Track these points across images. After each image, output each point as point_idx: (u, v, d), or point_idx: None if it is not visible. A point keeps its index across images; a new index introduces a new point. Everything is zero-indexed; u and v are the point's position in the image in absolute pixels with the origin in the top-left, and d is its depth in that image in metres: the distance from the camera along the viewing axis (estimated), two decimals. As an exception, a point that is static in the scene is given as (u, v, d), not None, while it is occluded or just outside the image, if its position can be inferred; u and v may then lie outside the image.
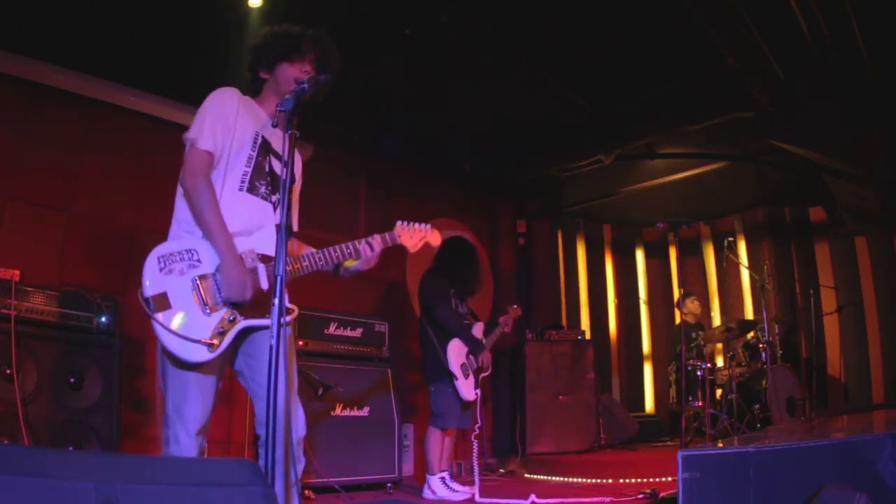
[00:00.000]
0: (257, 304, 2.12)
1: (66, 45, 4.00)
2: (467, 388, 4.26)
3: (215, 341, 2.05)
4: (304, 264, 2.25)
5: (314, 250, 2.30)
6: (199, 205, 2.10)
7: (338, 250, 2.29)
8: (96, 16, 3.84)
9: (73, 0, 3.73)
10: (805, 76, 4.40)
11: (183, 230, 2.17)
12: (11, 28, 3.78)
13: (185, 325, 2.03)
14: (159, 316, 2.01)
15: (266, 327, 2.16)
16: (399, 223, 2.45)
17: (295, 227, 2.48)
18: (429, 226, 2.48)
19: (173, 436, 2.07)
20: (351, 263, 2.37)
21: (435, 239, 2.51)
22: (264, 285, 2.14)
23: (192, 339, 2.02)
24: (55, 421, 3.17)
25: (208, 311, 2.06)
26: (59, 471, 1.22)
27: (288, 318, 2.13)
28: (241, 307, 2.11)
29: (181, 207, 2.19)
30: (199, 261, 2.10)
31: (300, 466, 2.20)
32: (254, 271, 2.15)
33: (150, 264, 2.05)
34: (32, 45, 3.92)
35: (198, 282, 2.08)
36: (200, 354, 2.04)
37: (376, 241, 2.37)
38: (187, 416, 2.07)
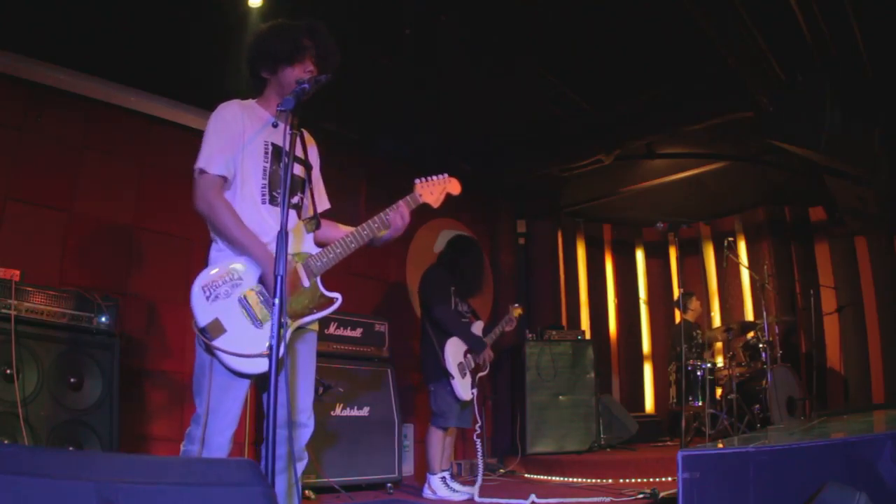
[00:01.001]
0: (301, 302, 2.20)
1: (66, 45, 3.99)
2: (464, 388, 4.25)
3: None
4: (338, 251, 2.28)
5: (347, 232, 2.32)
6: (222, 224, 2.14)
7: (367, 228, 2.32)
8: (96, 16, 3.84)
9: (72, 0, 3.73)
10: (805, 76, 4.40)
11: (223, 253, 2.20)
12: (11, 28, 3.78)
13: (244, 343, 2.09)
14: (218, 342, 2.06)
15: (306, 327, 2.28)
16: (417, 181, 2.42)
17: (325, 206, 2.52)
18: (445, 175, 2.44)
19: (201, 437, 2.09)
20: (382, 233, 2.39)
21: (455, 188, 2.46)
22: (306, 283, 2.22)
23: (251, 354, 2.08)
24: (55, 421, 3.17)
25: (260, 323, 2.13)
26: (59, 471, 1.22)
27: (334, 308, 2.26)
28: (293, 313, 2.17)
29: (216, 246, 2.23)
30: (240, 279, 2.15)
31: (302, 464, 2.24)
32: (294, 272, 2.21)
33: (197, 295, 2.10)
34: (32, 45, 3.92)
35: (245, 299, 2.13)
36: (264, 366, 2.09)
37: (402, 207, 2.37)
38: (225, 418, 2.11)
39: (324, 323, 4.48)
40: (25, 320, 3.18)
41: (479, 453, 4.37)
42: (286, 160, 2.03)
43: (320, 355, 4.31)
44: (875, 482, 1.78)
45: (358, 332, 4.69)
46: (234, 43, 3.84)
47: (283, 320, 2.13)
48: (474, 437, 4.33)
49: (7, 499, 1.13)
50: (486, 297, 6.47)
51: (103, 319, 3.50)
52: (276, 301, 1.83)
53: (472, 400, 4.31)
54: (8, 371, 3.02)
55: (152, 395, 4.14)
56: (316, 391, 4.18)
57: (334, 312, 4.63)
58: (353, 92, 4.74)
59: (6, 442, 2.92)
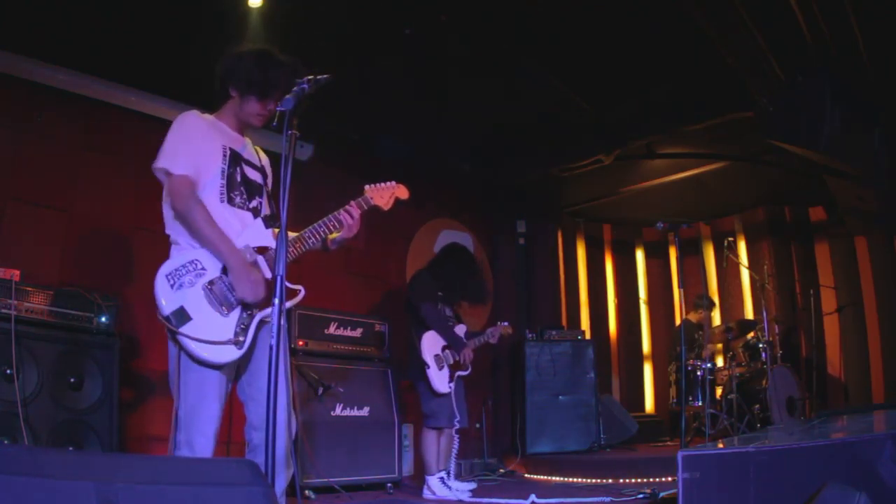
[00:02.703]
0: (269, 294, 2.17)
1: (66, 45, 3.99)
2: (440, 380, 4.23)
3: (241, 338, 2.14)
4: (298, 246, 2.32)
5: (297, 234, 2.36)
6: (197, 224, 2.17)
7: (322, 226, 2.38)
8: (96, 16, 3.84)
9: (72, 0, 3.73)
10: (805, 76, 4.40)
11: (182, 249, 2.23)
12: (11, 28, 3.78)
13: (210, 330, 2.09)
14: (184, 329, 2.06)
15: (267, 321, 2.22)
16: (367, 186, 2.54)
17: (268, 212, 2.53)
18: (394, 182, 2.58)
19: (185, 440, 2.08)
20: (335, 235, 2.46)
21: (402, 193, 2.58)
22: (268, 274, 2.23)
23: (221, 341, 2.09)
24: (55, 421, 3.17)
25: (225, 311, 2.14)
26: (59, 471, 1.22)
27: (297, 300, 2.25)
28: (258, 303, 2.19)
29: (176, 230, 2.26)
30: (203, 269, 2.17)
31: (285, 476, 2.23)
32: (255, 264, 2.23)
33: (161, 284, 2.11)
34: (32, 45, 3.92)
35: (208, 288, 2.15)
36: (231, 354, 2.11)
37: (353, 207, 2.44)
38: (204, 417, 2.10)
39: (324, 323, 4.51)
40: (25, 320, 3.18)
41: (455, 450, 4.38)
42: (260, 165, 2.02)
43: (321, 355, 4.38)
44: (875, 482, 1.78)
45: (358, 332, 4.69)
46: (234, 43, 3.85)
47: (249, 310, 2.18)
48: (453, 432, 4.33)
49: (7, 499, 1.13)
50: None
51: (103, 319, 3.50)
52: (276, 301, 1.83)
53: (451, 395, 4.28)
54: (8, 371, 3.02)
55: (152, 395, 4.14)
56: (315, 391, 4.21)
57: (334, 312, 4.67)
58: (353, 92, 4.74)
59: (6, 442, 2.92)
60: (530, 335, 6.03)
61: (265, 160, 2.55)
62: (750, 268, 6.86)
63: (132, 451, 3.81)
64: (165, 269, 2.15)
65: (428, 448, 4.30)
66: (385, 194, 2.53)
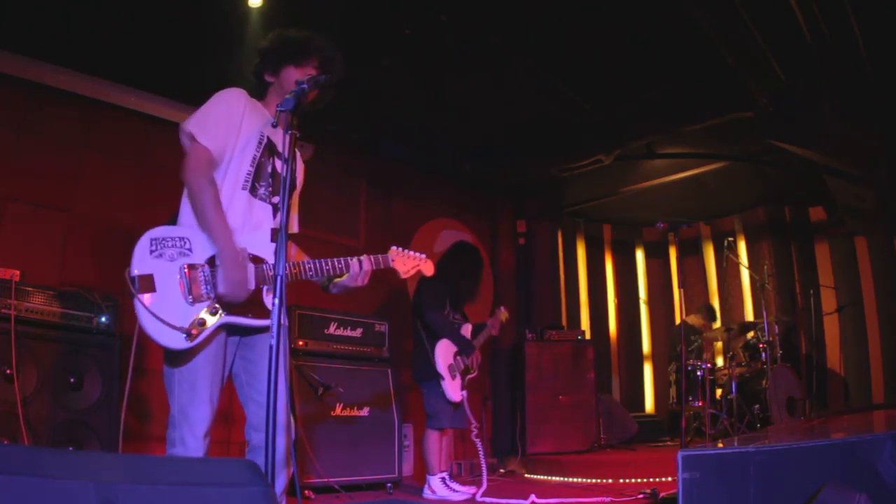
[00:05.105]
0: (246, 302, 2.12)
1: (66, 45, 4.00)
2: (453, 389, 4.25)
3: (194, 331, 2.03)
4: (295, 271, 2.23)
5: (307, 259, 2.30)
6: (201, 203, 2.10)
7: (329, 264, 2.28)
8: (96, 16, 3.84)
9: (72, 0, 3.73)
10: (805, 76, 4.40)
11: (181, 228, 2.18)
12: (11, 28, 3.78)
13: (166, 309, 2.01)
14: (142, 297, 2.00)
15: (258, 329, 2.19)
16: (394, 248, 2.46)
17: (294, 229, 2.49)
18: (423, 255, 2.50)
19: (179, 438, 2.06)
20: (339, 279, 2.36)
21: (428, 269, 2.51)
22: (251, 285, 2.14)
23: (171, 324, 2.00)
24: (55, 421, 3.17)
25: (191, 300, 2.05)
26: (59, 471, 1.22)
27: (268, 323, 2.09)
28: (229, 306, 2.11)
29: (185, 212, 2.19)
30: (189, 250, 2.10)
31: (288, 471, 2.22)
32: (246, 269, 2.16)
33: (142, 245, 2.05)
34: (32, 45, 3.92)
35: (185, 270, 2.07)
36: (177, 342, 2.02)
37: (368, 261, 2.35)
38: (194, 418, 2.07)
39: (324, 323, 4.50)
40: (25, 320, 3.18)
41: (481, 454, 4.37)
42: (285, 157, 1.99)
43: (321, 355, 4.38)
44: (875, 482, 1.78)
45: (358, 332, 4.69)
46: (235, 43, 3.86)
47: (216, 310, 2.09)
48: (473, 438, 4.34)
49: (7, 499, 1.13)
50: (485, 297, 6.47)
51: (103, 319, 3.50)
52: (276, 301, 1.81)
53: (463, 401, 4.31)
54: (8, 371, 3.02)
55: (152, 395, 4.13)
56: (315, 391, 4.21)
57: (334, 312, 4.66)
58: (353, 92, 4.74)
59: (6, 442, 2.92)
60: (530, 335, 6.03)
61: (300, 168, 2.47)
62: (750, 268, 6.86)
63: (132, 451, 3.81)
64: (154, 233, 2.08)
65: (431, 448, 4.30)
66: (409, 263, 2.45)
